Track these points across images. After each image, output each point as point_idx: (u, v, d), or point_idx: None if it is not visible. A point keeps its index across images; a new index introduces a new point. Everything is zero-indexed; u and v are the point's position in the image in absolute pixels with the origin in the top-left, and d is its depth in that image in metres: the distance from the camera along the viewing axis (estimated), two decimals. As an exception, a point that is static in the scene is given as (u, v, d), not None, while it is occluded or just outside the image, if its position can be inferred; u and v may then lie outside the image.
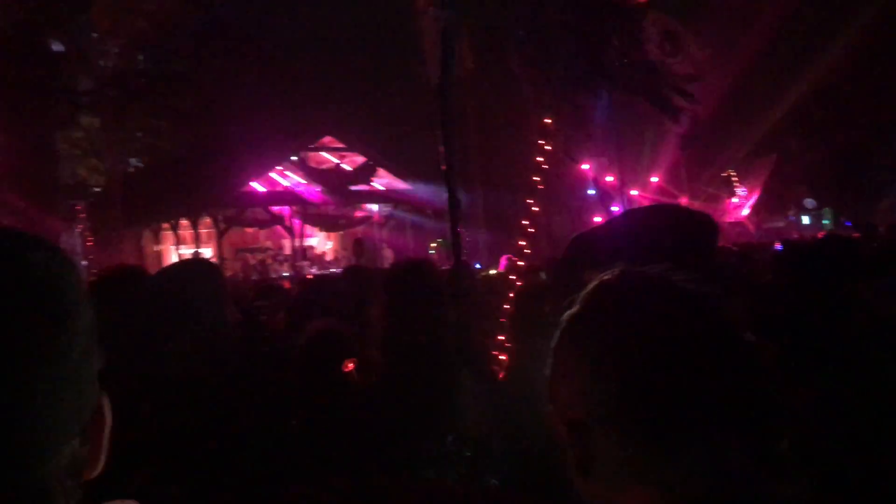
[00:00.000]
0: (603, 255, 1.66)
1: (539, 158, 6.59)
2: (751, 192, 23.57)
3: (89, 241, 25.20)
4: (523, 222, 6.17)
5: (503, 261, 9.35)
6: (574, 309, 1.06)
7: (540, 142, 6.66)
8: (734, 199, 23.52)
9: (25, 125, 26.82)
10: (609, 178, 16.77)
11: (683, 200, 19.73)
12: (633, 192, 17.84)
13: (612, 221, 3.02)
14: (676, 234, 1.97)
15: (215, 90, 26.05)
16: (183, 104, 26.01)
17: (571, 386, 1.02)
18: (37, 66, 25.96)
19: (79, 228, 25.29)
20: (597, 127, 15.98)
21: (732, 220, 22.40)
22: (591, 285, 1.07)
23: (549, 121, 7.37)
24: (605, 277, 1.06)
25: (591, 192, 17.65)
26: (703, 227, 2.03)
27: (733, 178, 23.63)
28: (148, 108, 26.23)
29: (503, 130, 21.85)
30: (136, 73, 26.51)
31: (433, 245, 21.86)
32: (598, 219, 18.39)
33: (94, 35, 25.74)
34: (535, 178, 6.47)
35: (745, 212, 23.49)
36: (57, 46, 27.61)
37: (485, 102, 22.25)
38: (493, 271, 14.69)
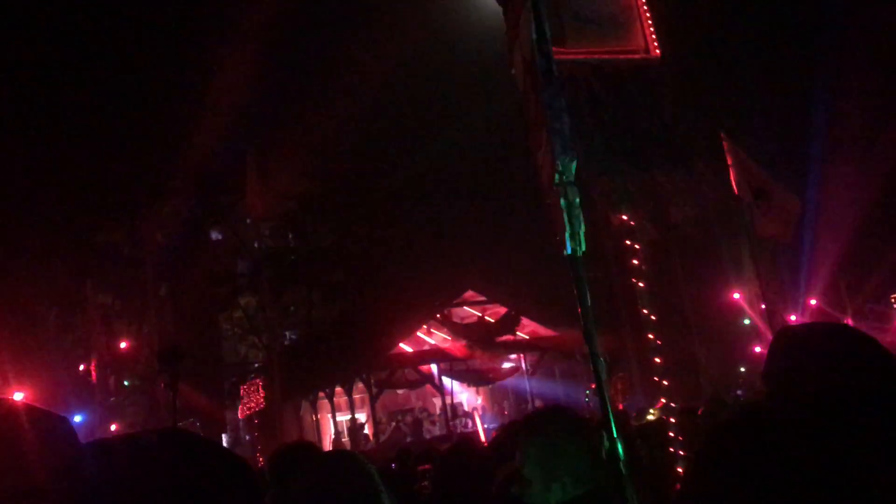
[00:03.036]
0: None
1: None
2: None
3: (247, 413, 26.23)
4: (656, 360, 5.86)
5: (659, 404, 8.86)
6: None
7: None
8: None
9: (193, 310, 29.07)
10: (762, 306, 15.92)
11: (847, 321, 18.37)
12: (792, 318, 16.81)
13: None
14: (830, 356, 1.74)
15: (362, 260, 27.40)
16: (332, 277, 27.46)
17: None
18: (201, 255, 28.39)
19: (243, 403, 26.47)
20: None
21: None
22: None
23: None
24: None
25: (745, 321, 16.79)
26: (862, 345, 1.76)
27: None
28: (300, 284, 27.84)
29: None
30: (288, 251, 28.37)
31: (587, 392, 21.18)
32: (758, 349, 17.35)
33: (248, 221, 27.79)
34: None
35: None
36: (216, 235, 30.20)
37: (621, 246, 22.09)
38: (650, 414, 14.00)
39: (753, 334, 19.51)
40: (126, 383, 28.28)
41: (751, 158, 9.23)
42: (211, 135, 25.09)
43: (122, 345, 28.21)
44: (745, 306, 21.18)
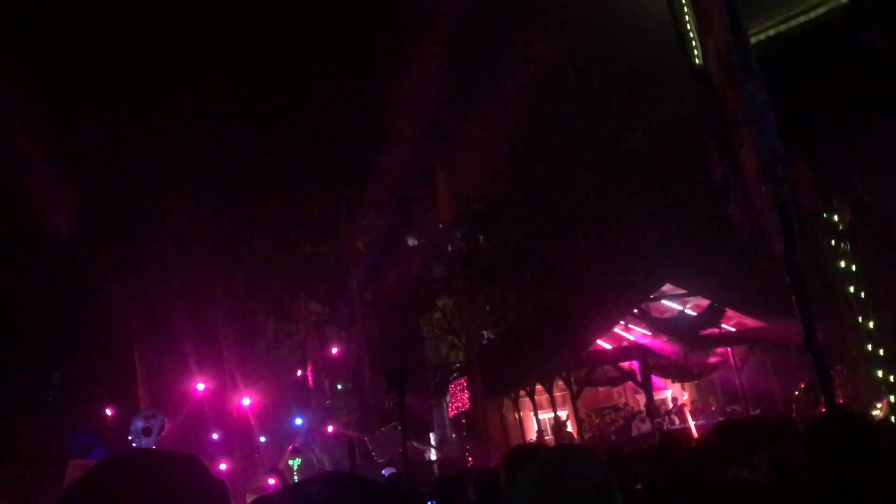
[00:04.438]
0: None
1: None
2: None
3: (455, 412, 27.00)
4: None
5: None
6: None
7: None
8: None
9: (395, 314, 30.47)
10: None
11: None
12: None
13: None
14: None
15: (553, 256, 27.35)
16: (524, 275, 27.64)
17: None
18: (399, 261, 29.65)
19: (451, 403, 27.33)
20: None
21: None
22: None
23: None
24: None
25: None
26: None
27: None
28: (493, 284, 28.29)
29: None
30: (479, 252, 28.91)
31: (800, 386, 19.75)
32: None
33: (440, 226, 28.59)
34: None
35: None
36: (412, 241, 31.40)
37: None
38: (877, 410, 12.72)
39: None
40: (339, 386, 30.09)
41: None
42: (401, 145, 26.09)
43: (334, 350, 30.06)
44: None
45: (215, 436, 25.13)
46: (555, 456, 1.98)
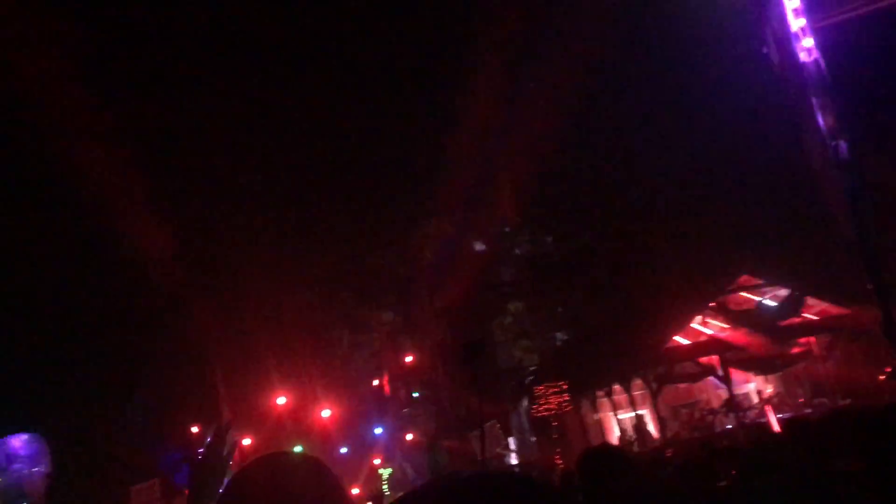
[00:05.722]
0: None
1: None
2: None
3: (536, 415, 26.80)
4: None
5: None
6: None
7: None
8: None
9: (466, 319, 30.53)
10: None
11: None
12: None
13: None
14: None
15: (624, 253, 27.00)
16: (594, 275, 27.37)
17: None
18: (467, 267, 29.72)
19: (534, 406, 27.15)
20: None
21: None
22: None
23: None
24: None
25: None
26: None
27: None
28: (563, 284, 28.08)
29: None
30: (547, 254, 28.76)
31: (886, 371, 18.97)
32: None
33: (507, 230, 28.58)
34: None
35: None
36: (479, 246, 31.44)
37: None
38: None
39: None
40: (415, 394, 30.29)
41: None
42: (464, 152, 26.19)
43: (408, 358, 30.27)
44: None
45: (298, 448, 25.57)
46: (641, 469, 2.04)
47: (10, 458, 23.41)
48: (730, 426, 21.13)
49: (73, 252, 25.58)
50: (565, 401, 24.23)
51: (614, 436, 24.02)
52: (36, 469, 23.48)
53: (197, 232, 26.62)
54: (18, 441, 23.47)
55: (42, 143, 23.35)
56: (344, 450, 26.64)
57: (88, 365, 25.92)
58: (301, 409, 26.36)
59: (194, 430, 27.97)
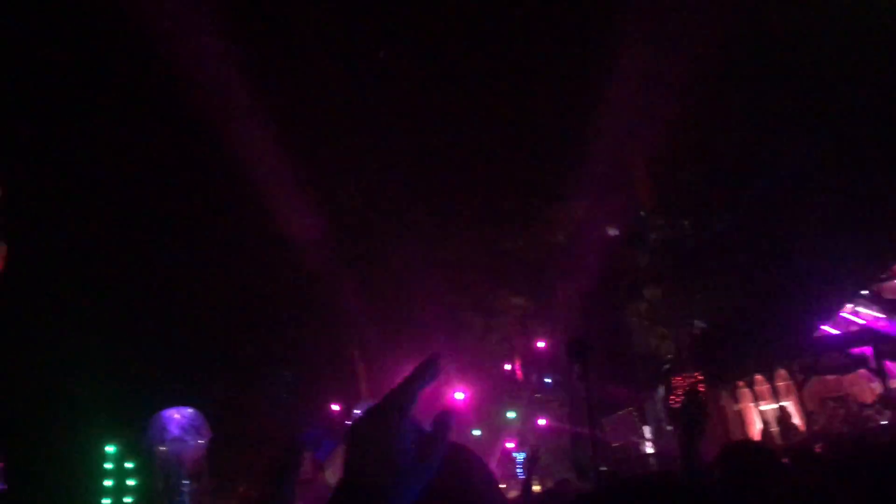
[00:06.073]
0: None
1: None
2: None
3: (672, 405, 26.28)
4: None
5: None
6: None
7: None
8: None
9: (599, 305, 30.20)
10: None
11: None
12: None
13: None
14: None
15: (766, 237, 25.83)
16: (735, 259, 26.34)
17: None
18: (600, 252, 29.38)
19: (672, 394, 26.63)
20: None
21: None
22: None
23: None
24: None
25: None
26: None
27: None
28: (702, 270, 27.19)
29: None
30: (684, 238, 27.93)
31: None
32: None
33: (642, 213, 28.00)
34: None
35: None
36: (613, 231, 30.96)
37: None
38: None
39: None
40: (547, 380, 30.32)
41: None
42: (598, 134, 25.83)
43: (540, 344, 30.32)
44: None
45: (477, 432, 26.09)
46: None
47: (171, 429, 25.24)
48: (884, 422, 19.94)
49: (229, 235, 27.30)
50: (701, 391, 23.56)
51: (756, 428, 23.18)
52: (192, 440, 25.20)
53: (346, 214, 27.83)
54: (178, 413, 25.27)
55: (204, 128, 24.90)
56: (477, 432, 27.08)
57: (241, 344, 27.66)
58: (434, 391, 26.95)
59: (335, 407, 29.29)
